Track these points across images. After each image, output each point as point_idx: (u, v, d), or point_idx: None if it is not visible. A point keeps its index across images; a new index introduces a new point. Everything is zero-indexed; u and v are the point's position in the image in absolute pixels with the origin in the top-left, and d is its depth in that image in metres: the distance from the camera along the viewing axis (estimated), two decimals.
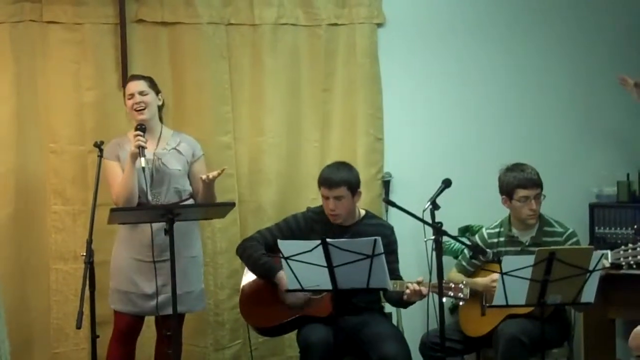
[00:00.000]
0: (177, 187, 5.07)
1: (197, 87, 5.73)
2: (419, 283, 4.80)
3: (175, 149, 5.14)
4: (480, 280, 5.12)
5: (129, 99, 5.06)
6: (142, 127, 4.98)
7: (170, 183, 5.03)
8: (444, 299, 4.60)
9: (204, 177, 5.02)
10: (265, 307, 5.12)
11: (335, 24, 5.95)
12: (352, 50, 5.97)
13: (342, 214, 5.07)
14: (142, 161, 4.87)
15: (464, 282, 4.80)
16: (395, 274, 5.00)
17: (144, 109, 5.04)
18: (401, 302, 4.91)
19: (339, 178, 5.03)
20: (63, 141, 5.53)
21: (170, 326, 4.80)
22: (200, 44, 5.72)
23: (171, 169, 5.06)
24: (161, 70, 5.67)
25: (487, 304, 5.00)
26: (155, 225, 4.89)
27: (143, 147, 4.89)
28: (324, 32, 5.93)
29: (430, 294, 4.79)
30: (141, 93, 5.06)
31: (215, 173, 5.02)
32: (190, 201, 5.12)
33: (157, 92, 5.15)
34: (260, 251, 5.13)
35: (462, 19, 6.15)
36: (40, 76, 5.54)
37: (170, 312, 4.79)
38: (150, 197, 5.01)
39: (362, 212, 5.21)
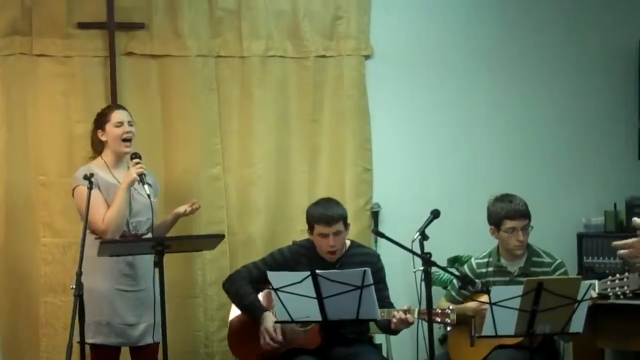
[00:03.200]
0: (150, 218, 5.06)
1: (186, 118, 5.75)
2: (405, 311, 4.81)
3: (147, 182, 5.15)
4: (470, 305, 5.12)
5: (118, 126, 5.04)
6: (138, 155, 5.00)
7: (146, 214, 5.04)
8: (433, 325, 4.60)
9: (181, 209, 5.16)
10: (254, 340, 5.10)
11: (324, 56, 5.99)
12: (340, 82, 6.01)
13: (339, 249, 5.08)
14: (147, 188, 4.90)
15: (451, 308, 4.81)
16: (385, 301, 5.01)
17: (131, 140, 5.07)
18: (389, 329, 4.93)
19: (337, 213, 5.04)
20: (52, 173, 5.54)
21: (148, 355, 4.93)
22: (189, 76, 5.75)
23: (152, 200, 5.06)
24: (150, 102, 5.71)
25: (477, 334, 5.00)
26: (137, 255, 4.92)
27: (144, 175, 4.91)
28: (312, 64, 5.97)
29: (419, 321, 4.80)
30: (129, 123, 5.08)
31: (194, 207, 5.14)
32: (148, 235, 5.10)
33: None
34: (246, 288, 5.12)
35: (449, 50, 6.20)
36: (30, 108, 5.56)
37: (150, 341, 4.95)
38: (130, 227, 5.01)
39: (348, 243, 5.22)
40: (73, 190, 5.03)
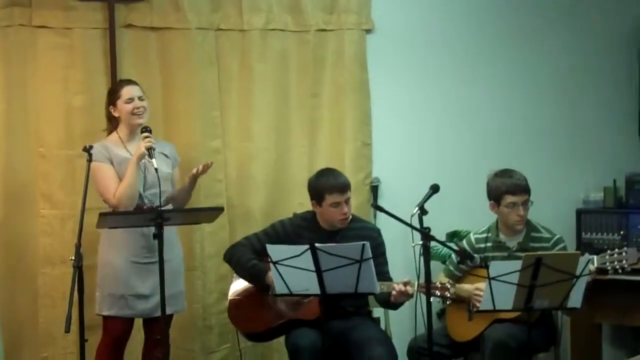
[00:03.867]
0: (166, 190, 5.08)
1: (186, 92, 5.74)
2: (405, 284, 4.82)
3: (162, 153, 5.17)
4: (466, 287, 5.13)
5: (128, 102, 5.08)
6: (148, 129, 5.01)
7: (161, 186, 5.05)
8: (431, 300, 4.62)
9: (194, 170, 5.09)
10: (254, 312, 5.13)
11: (324, 30, 5.97)
12: (340, 56, 5.99)
13: (350, 215, 5.13)
14: (154, 162, 4.89)
15: (450, 282, 4.83)
16: (385, 276, 5.02)
17: (142, 114, 5.10)
18: (389, 303, 4.94)
19: (347, 181, 5.12)
20: (52, 145, 5.53)
21: (161, 329, 4.85)
22: (189, 50, 5.73)
23: (164, 172, 5.08)
24: (150, 75, 5.69)
25: (475, 309, 5.02)
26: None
27: (153, 149, 4.92)
28: (313, 37, 5.95)
29: (418, 295, 4.82)
30: (140, 98, 5.11)
31: (205, 165, 5.10)
32: (169, 205, 5.13)
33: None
34: (248, 255, 5.14)
35: (450, 25, 6.18)
36: (30, 81, 5.54)
37: (171, 311, 5.00)
38: (145, 200, 5.04)
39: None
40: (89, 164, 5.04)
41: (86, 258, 4.76)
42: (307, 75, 5.95)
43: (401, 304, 4.97)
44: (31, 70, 5.54)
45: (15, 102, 5.52)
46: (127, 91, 5.10)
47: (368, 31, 6.05)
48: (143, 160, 4.98)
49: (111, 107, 5.14)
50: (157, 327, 4.92)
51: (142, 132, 5.01)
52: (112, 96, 5.14)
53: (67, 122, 5.56)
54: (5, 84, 5.49)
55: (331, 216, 5.09)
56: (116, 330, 5.06)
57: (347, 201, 5.06)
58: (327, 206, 5.07)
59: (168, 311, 4.96)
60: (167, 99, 5.73)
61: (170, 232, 5.06)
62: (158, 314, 4.91)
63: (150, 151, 4.92)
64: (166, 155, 5.19)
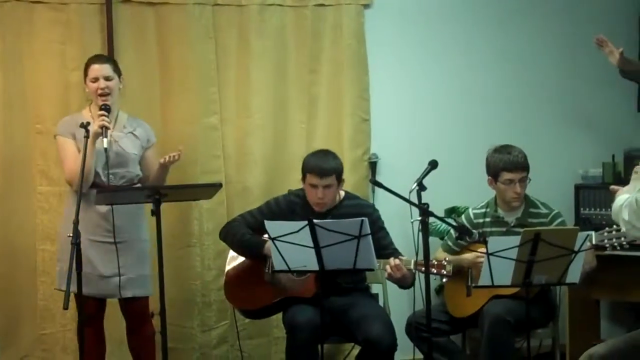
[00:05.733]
0: (130, 171, 5.05)
1: (183, 67, 5.72)
2: (400, 259, 4.81)
3: (131, 132, 5.12)
4: (466, 256, 5.14)
5: (93, 82, 5.01)
6: (106, 107, 4.93)
7: (125, 166, 5.01)
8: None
9: (161, 160, 5.03)
10: (250, 289, 5.12)
11: (322, 5, 5.93)
12: (338, 32, 5.96)
13: (327, 203, 5.07)
14: (105, 142, 4.82)
15: (447, 259, 4.82)
16: (391, 248, 5.03)
17: (108, 94, 5.01)
18: (397, 282, 4.92)
19: (330, 167, 5.02)
20: (49, 122, 5.49)
21: (136, 310, 4.97)
22: (187, 25, 5.70)
23: (128, 152, 5.04)
24: (147, 50, 5.67)
25: (473, 285, 5.02)
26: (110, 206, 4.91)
27: (107, 128, 4.85)
28: (311, 12, 5.91)
29: (416, 272, 4.81)
30: (107, 78, 5.02)
31: (173, 155, 5.02)
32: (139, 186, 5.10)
33: (120, 75, 5.10)
34: (243, 229, 5.13)
35: (449, 1, 6.15)
36: (26, 56, 5.51)
37: (134, 294, 5.00)
38: (104, 179, 4.97)
39: (342, 194, 5.20)
40: (55, 137, 5.08)
41: None
42: (305, 50, 5.93)
43: (412, 283, 4.92)
44: (27, 46, 5.50)
45: (11, 78, 5.48)
46: (93, 70, 5.02)
47: (366, 6, 6.02)
48: (108, 139, 4.87)
49: (85, 82, 5.09)
50: (133, 307, 5.01)
51: (99, 109, 4.94)
52: (84, 72, 5.08)
53: (64, 98, 5.53)
54: (1, 60, 5.46)
55: (308, 196, 5.08)
56: (87, 308, 4.89)
57: (327, 187, 5.00)
58: (307, 185, 5.06)
59: (131, 294, 4.99)
60: (164, 74, 5.71)
61: (137, 215, 5.03)
62: (125, 295, 4.96)
63: (103, 130, 4.83)
64: (135, 136, 5.11)
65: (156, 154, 5.19)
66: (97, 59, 5.12)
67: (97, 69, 5.03)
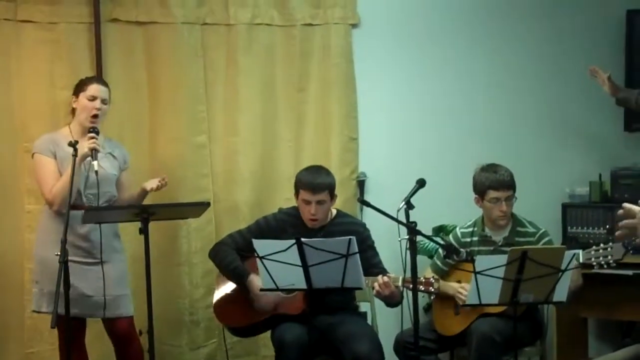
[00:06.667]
0: (108, 191, 5.06)
1: (171, 86, 5.73)
2: (389, 277, 4.82)
3: (110, 153, 5.13)
4: (451, 284, 5.14)
5: (90, 100, 5.01)
6: (95, 130, 4.94)
7: (104, 186, 5.01)
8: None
9: (148, 187, 5.08)
10: (239, 307, 5.12)
11: (310, 25, 5.97)
12: (326, 51, 5.99)
13: (321, 219, 5.08)
14: (95, 164, 4.82)
15: (434, 277, 4.83)
16: (379, 267, 5.05)
17: (97, 118, 5.02)
18: (385, 299, 4.92)
19: (323, 183, 5.03)
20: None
21: (122, 329, 4.99)
22: (175, 44, 5.73)
23: (108, 172, 5.05)
24: (136, 69, 5.68)
25: (461, 304, 5.03)
26: (90, 226, 4.91)
27: (97, 151, 4.86)
28: (299, 32, 5.94)
29: (404, 290, 4.82)
30: (103, 101, 5.05)
31: (159, 183, 5.07)
32: None
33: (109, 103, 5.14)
34: (232, 255, 5.12)
35: (436, 19, 6.18)
36: (15, 75, 5.53)
37: (118, 314, 5.01)
38: (84, 199, 4.97)
39: (334, 212, 5.22)
40: (33, 155, 5.05)
41: None
42: (293, 69, 5.95)
43: (399, 301, 4.94)
44: (16, 65, 5.52)
45: (0, 96, 5.48)
46: (93, 88, 5.04)
47: (354, 26, 6.05)
48: (97, 161, 4.87)
49: (74, 97, 5.07)
50: (118, 327, 5.02)
51: (88, 132, 4.93)
52: (78, 87, 5.07)
53: (52, 117, 5.52)
54: None
55: (302, 212, 5.09)
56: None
57: (320, 203, 5.02)
58: (300, 201, 5.07)
59: (112, 315, 4.99)
60: (153, 93, 5.72)
61: (111, 238, 5.05)
62: (102, 315, 4.97)
63: (93, 152, 4.84)
64: (114, 157, 5.13)
65: (130, 177, 5.22)
66: (98, 80, 5.17)
67: (97, 89, 5.04)
